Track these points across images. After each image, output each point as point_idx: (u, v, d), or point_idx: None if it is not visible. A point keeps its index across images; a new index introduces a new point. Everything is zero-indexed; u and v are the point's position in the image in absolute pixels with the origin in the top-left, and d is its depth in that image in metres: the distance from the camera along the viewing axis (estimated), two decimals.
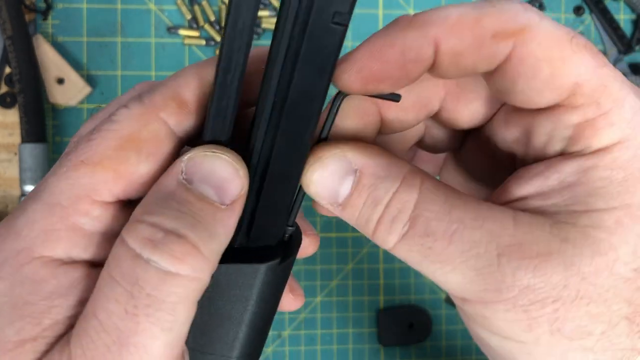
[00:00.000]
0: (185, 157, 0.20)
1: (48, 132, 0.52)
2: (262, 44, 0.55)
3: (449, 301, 0.57)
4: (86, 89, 0.52)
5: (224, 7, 0.54)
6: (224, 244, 0.20)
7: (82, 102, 0.53)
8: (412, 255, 0.20)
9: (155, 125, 0.20)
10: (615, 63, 0.58)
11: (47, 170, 0.50)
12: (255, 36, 0.55)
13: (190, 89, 0.21)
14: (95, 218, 0.20)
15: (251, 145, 0.20)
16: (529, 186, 0.21)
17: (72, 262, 0.20)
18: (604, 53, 0.59)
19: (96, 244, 0.21)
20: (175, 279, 0.18)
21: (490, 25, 0.19)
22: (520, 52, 0.19)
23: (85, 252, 0.20)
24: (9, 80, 0.52)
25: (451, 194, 0.21)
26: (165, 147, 0.21)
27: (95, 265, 0.21)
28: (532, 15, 0.19)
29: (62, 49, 0.52)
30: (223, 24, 0.21)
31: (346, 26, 0.18)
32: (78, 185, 0.20)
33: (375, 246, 0.56)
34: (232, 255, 0.20)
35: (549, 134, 0.21)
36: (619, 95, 0.20)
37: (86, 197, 0.20)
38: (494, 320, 0.20)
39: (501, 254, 0.19)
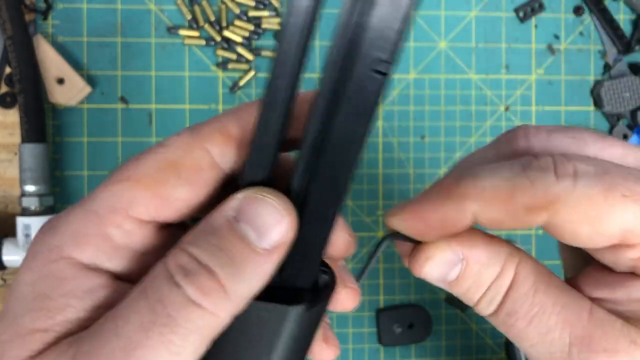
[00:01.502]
0: (239, 195, 0.20)
1: (48, 132, 0.52)
2: (261, 45, 0.55)
3: (449, 301, 0.57)
4: (86, 89, 0.52)
5: (224, 7, 0.54)
6: (254, 288, 0.20)
7: (82, 102, 0.53)
8: (500, 328, 0.23)
9: (198, 153, 0.21)
10: (615, 63, 0.58)
11: (47, 170, 0.50)
12: (255, 37, 0.55)
13: (238, 124, 0.22)
14: (126, 232, 0.21)
15: (290, 186, 0.21)
16: (599, 291, 0.22)
17: (96, 269, 0.21)
18: (604, 53, 0.59)
19: (122, 256, 0.22)
20: (196, 309, 0.19)
21: (522, 201, 0.20)
22: (555, 221, 0.20)
23: (109, 261, 0.21)
24: (9, 80, 0.52)
25: (541, 276, 0.22)
26: (205, 175, 0.22)
27: (120, 278, 0.22)
28: (564, 184, 0.20)
29: (62, 49, 0.52)
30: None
31: (387, 75, 0.19)
32: (116, 198, 0.21)
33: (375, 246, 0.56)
34: (262, 292, 0.20)
35: (613, 262, 0.22)
36: None
37: (122, 210, 0.21)
38: None
39: (572, 344, 0.21)
